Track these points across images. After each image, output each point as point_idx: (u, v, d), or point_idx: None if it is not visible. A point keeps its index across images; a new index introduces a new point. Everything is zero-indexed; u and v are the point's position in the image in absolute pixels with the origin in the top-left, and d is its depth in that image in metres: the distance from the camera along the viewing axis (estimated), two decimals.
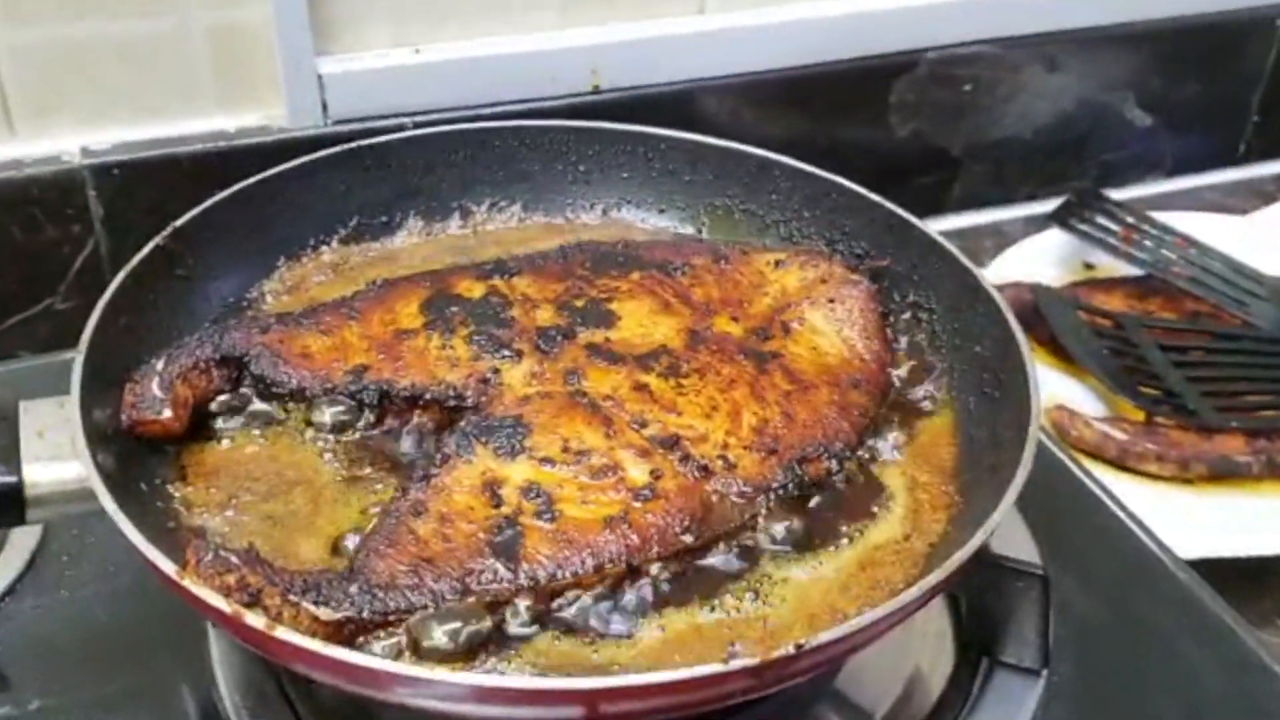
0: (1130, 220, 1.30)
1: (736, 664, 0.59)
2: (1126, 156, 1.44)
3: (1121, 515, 0.92)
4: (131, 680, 0.80)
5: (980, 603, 0.78)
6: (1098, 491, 0.94)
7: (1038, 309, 1.17)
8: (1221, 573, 0.92)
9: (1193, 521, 1.01)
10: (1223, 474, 1.06)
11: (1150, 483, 1.06)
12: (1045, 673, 0.78)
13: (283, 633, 0.60)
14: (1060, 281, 1.29)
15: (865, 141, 1.35)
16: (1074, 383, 1.16)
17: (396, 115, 1.15)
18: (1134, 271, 1.28)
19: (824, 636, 0.60)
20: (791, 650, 0.59)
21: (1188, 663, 0.82)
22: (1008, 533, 0.84)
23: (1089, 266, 1.32)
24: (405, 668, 0.60)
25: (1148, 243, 1.28)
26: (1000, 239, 1.35)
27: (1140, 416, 1.11)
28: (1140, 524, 0.91)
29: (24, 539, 0.87)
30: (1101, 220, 1.31)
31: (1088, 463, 1.03)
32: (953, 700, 0.78)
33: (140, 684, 0.80)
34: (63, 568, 0.87)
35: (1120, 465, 1.07)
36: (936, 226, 0.92)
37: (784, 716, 0.78)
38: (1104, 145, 1.45)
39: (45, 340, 1.13)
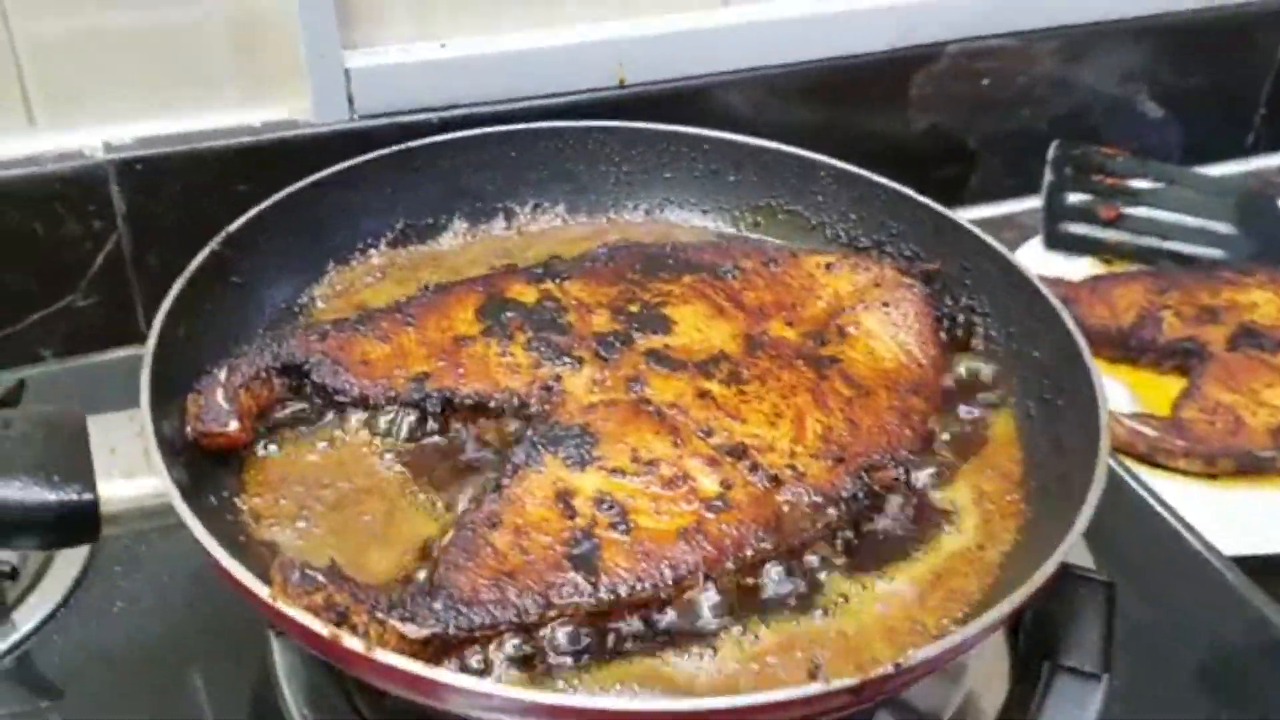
0: (1112, 184, 1.35)
1: (838, 684, 0.59)
2: (1138, 148, 1.44)
3: (1166, 515, 0.93)
4: (192, 693, 0.80)
5: (1044, 608, 0.78)
6: (1142, 492, 0.95)
7: None
8: (1255, 569, 0.93)
9: (1224, 518, 1.02)
10: (1248, 469, 1.07)
11: (1179, 478, 1.07)
12: (1106, 677, 0.79)
13: (382, 655, 0.60)
14: (1081, 275, 1.29)
15: (884, 134, 1.35)
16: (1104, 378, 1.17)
17: (423, 110, 1.15)
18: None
19: (921, 654, 0.60)
20: (891, 669, 0.60)
21: (1242, 663, 0.83)
22: None
23: (1107, 261, 1.33)
24: (509, 690, 0.60)
25: (1131, 213, 1.33)
26: (1019, 231, 1.36)
27: (1165, 409, 1.12)
28: (1185, 523, 0.92)
29: (75, 550, 0.86)
30: (1086, 198, 1.34)
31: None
32: (1018, 703, 0.79)
33: (202, 696, 0.80)
34: (115, 579, 0.86)
35: (1148, 461, 1.08)
36: None
37: None
38: (1116, 136, 1.45)
39: (65, 339, 1.11)
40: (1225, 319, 1.20)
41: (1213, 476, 1.07)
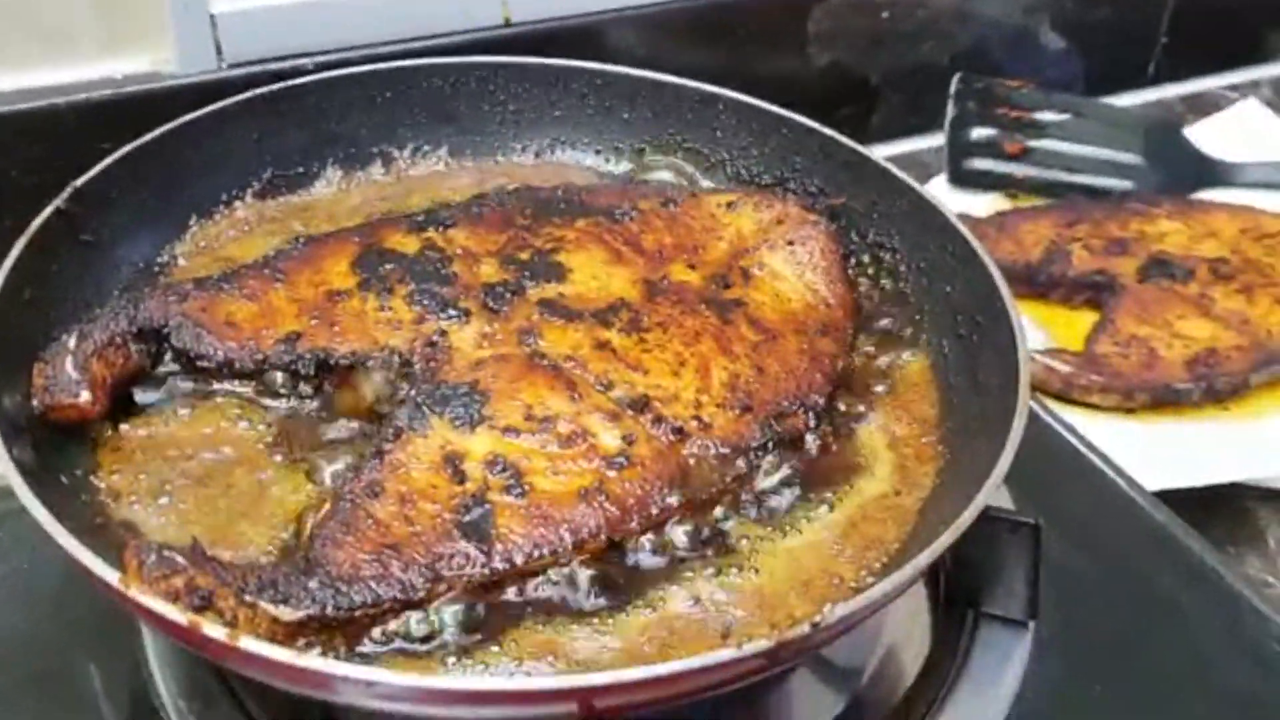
0: (1016, 117, 1.32)
1: (750, 648, 0.55)
2: (1041, 80, 1.41)
3: (1086, 452, 0.90)
4: (58, 689, 0.73)
5: (966, 554, 0.75)
6: (1060, 429, 0.92)
7: None
8: (1172, 502, 0.91)
9: (1142, 452, 1.00)
10: (1165, 402, 1.06)
11: (1094, 414, 1.05)
12: (1033, 624, 0.76)
13: (248, 643, 0.54)
14: (987, 210, 1.27)
15: (782, 74, 1.31)
16: None
17: (296, 56, 1.09)
18: None
19: (840, 610, 0.56)
20: (807, 629, 0.55)
21: (1173, 599, 0.80)
22: None
23: (1013, 196, 1.30)
24: (391, 675, 0.54)
25: (1036, 146, 1.31)
26: (923, 170, 1.32)
27: (1078, 345, 1.10)
28: (1107, 459, 0.89)
29: None
30: (990, 132, 1.31)
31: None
32: (942, 656, 0.75)
33: (68, 693, 0.73)
34: None
35: (1063, 398, 1.06)
36: None
37: (766, 684, 0.74)
38: (1019, 69, 1.42)
39: None
40: (1135, 250, 1.18)
41: (1129, 411, 1.05)
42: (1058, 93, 1.35)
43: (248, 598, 0.58)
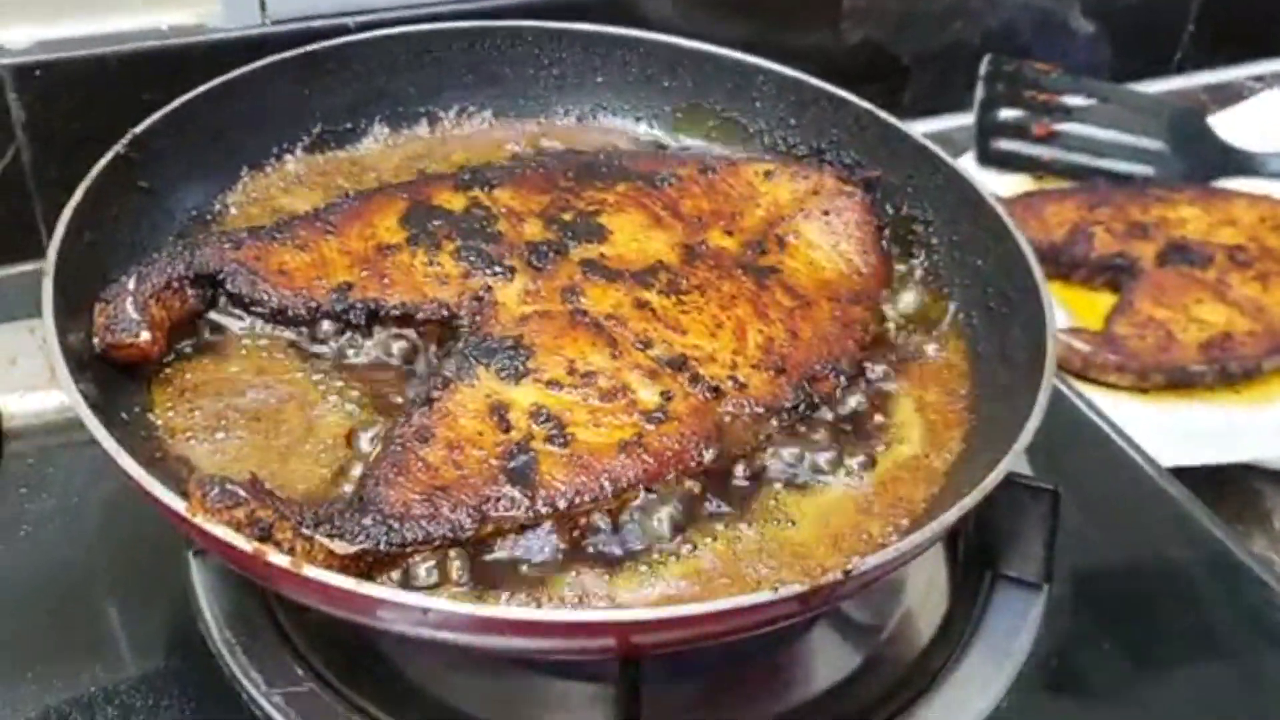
0: (1044, 100, 1.34)
1: (785, 591, 0.57)
2: (1068, 65, 1.43)
3: (1104, 427, 0.93)
4: (106, 619, 0.76)
5: (986, 518, 0.77)
6: (1080, 404, 0.94)
7: None
8: (1183, 482, 0.93)
9: (1156, 430, 1.02)
10: (1179, 384, 1.08)
11: (1110, 393, 1.07)
12: (1047, 586, 0.79)
13: (311, 571, 0.57)
14: (1012, 191, 1.29)
15: (816, 48, 1.32)
16: None
17: (338, 15, 1.09)
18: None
19: (871, 560, 0.59)
20: (840, 576, 0.58)
21: (1181, 570, 0.83)
22: None
23: (1039, 178, 1.32)
24: (441, 603, 0.57)
25: (1063, 130, 1.32)
26: (951, 148, 1.32)
27: (1097, 325, 1.12)
28: (1125, 435, 0.92)
29: None
30: (1018, 114, 1.33)
31: None
32: (959, 616, 0.78)
33: (118, 621, 0.76)
34: (21, 501, 0.82)
35: (1081, 376, 1.08)
36: None
37: (788, 638, 0.77)
38: (1047, 52, 1.44)
39: None
40: (1155, 235, 1.20)
41: (1144, 391, 1.07)
42: (1085, 78, 1.37)
43: (305, 531, 0.61)
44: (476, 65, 0.96)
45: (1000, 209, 0.81)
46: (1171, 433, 1.02)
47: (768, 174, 0.89)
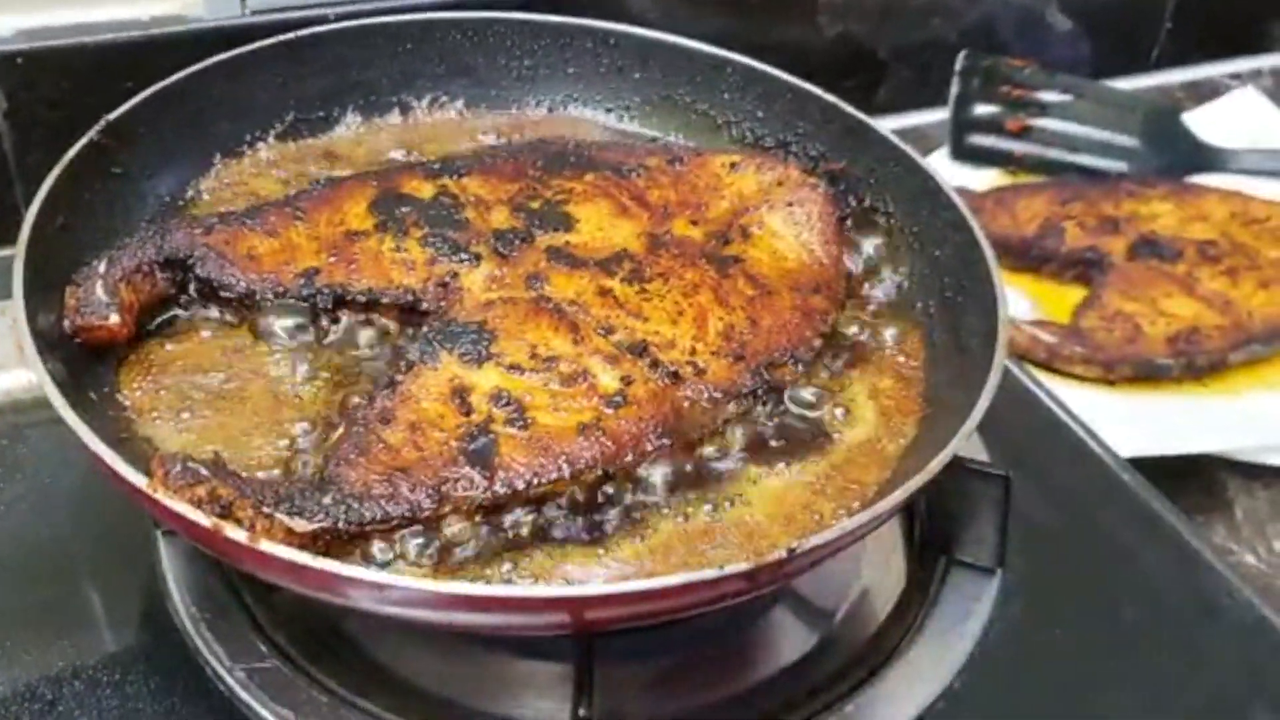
0: (1019, 96, 1.35)
1: (731, 569, 0.59)
2: (1045, 60, 1.44)
3: (1064, 416, 0.94)
4: (77, 595, 0.78)
5: (940, 503, 0.79)
6: (1040, 394, 0.96)
7: None
8: (1147, 472, 0.95)
9: (1119, 421, 1.03)
10: (1145, 376, 1.09)
11: (1076, 384, 1.08)
12: (1000, 571, 0.80)
13: (267, 546, 0.58)
14: (986, 185, 1.30)
15: (792, 42, 1.33)
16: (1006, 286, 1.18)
17: (318, 5, 1.10)
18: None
19: (814, 540, 0.60)
20: (784, 554, 0.59)
21: (1136, 558, 0.84)
22: None
23: (1012, 173, 1.34)
24: (397, 579, 0.59)
25: (1037, 125, 1.34)
26: (926, 143, 1.35)
27: (1066, 318, 1.13)
28: (1084, 425, 0.93)
29: None
30: (992, 109, 1.34)
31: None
32: (913, 599, 0.79)
33: (86, 598, 0.77)
34: None
35: (1047, 367, 1.09)
36: None
37: (744, 619, 0.79)
38: (1025, 49, 1.45)
39: None
40: (1126, 230, 1.21)
41: (1110, 383, 1.09)
42: (1061, 74, 1.38)
43: (265, 509, 0.62)
44: (449, 55, 0.97)
45: (957, 198, 0.82)
46: (1137, 424, 1.04)
47: (733, 165, 0.90)
